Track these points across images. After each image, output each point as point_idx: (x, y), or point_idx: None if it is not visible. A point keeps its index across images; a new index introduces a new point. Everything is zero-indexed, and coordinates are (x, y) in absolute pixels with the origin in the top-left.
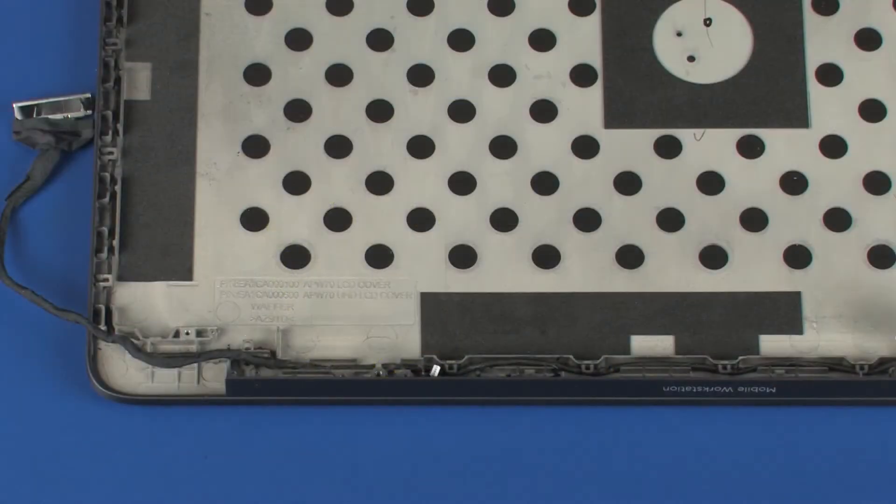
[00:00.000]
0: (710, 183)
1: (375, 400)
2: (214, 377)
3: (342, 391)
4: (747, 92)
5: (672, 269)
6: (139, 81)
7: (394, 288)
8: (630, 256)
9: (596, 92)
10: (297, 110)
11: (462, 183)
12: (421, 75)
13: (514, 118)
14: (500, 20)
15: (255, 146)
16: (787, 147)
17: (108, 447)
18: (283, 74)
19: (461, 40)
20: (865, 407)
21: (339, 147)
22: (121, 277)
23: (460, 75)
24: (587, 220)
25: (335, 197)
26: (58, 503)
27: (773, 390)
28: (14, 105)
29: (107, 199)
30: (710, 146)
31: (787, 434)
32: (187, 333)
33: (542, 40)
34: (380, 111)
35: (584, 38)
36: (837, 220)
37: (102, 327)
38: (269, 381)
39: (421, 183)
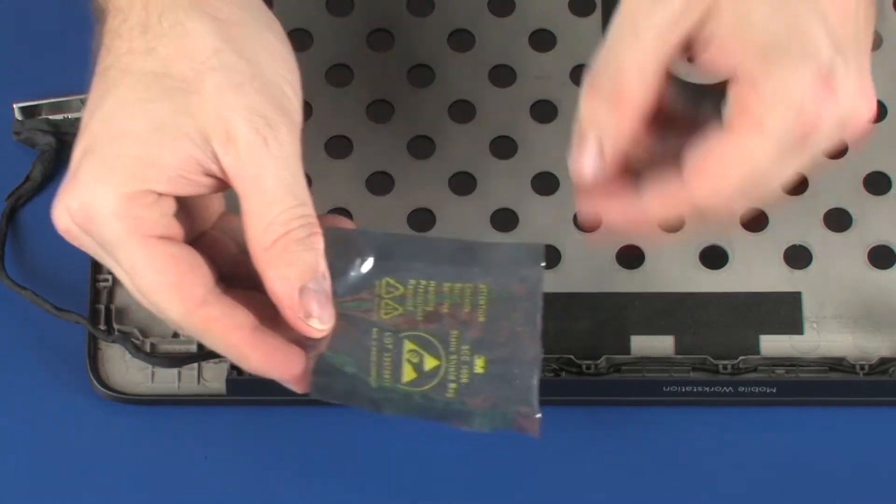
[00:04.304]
0: None
1: None
2: (214, 377)
3: None
4: None
5: (672, 269)
6: None
7: None
8: (630, 256)
9: None
10: None
11: (462, 183)
12: (421, 75)
13: (514, 118)
14: (500, 20)
15: None
16: None
17: (108, 447)
18: None
19: (461, 40)
20: (865, 407)
21: (339, 147)
22: None
23: (460, 75)
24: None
25: (336, 197)
26: (58, 503)
27: (774, 390)
28: (14, 105)
29: None
30: None
31: (787, 434)
32: None
33: (542, 40)
34: (380, 111)
35: (584, 38)
36: (837, 220)
37: (102, 327)
38: (269, 381)
39: (421, 183)
